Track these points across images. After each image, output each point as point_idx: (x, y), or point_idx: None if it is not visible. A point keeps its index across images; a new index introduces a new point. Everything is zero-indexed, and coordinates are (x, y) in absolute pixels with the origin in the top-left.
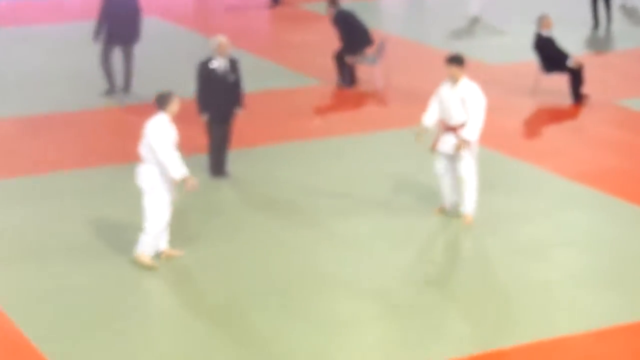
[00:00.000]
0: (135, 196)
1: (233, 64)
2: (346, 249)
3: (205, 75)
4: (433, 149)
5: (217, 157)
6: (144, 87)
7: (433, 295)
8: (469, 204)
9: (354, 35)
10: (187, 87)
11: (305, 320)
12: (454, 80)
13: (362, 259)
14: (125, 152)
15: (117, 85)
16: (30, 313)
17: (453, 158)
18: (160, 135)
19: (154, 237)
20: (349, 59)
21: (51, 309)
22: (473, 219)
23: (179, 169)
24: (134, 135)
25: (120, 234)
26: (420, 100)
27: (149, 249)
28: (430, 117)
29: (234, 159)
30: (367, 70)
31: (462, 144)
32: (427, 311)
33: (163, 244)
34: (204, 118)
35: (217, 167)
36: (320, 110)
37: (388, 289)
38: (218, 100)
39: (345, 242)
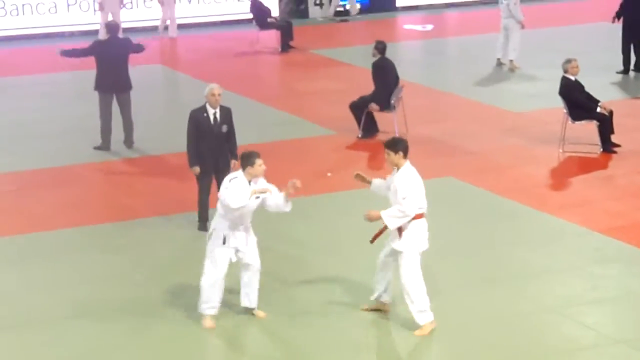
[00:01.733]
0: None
1: (225, 114)
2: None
3: (196, 124)
4: (372, 240)
5: (205, 211)
6: (147, 138)
7: None
8: (415, 314)
9: (388, 86)
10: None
11: None
12: (393, 166)
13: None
14: (121, 208)
15: (110, 141)
16: None
17: (394, 254)
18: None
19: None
20: (372, 107)
21: None
22: (428, 330)
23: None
24: (131, 191)
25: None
26: (440, 151)
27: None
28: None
29: None
30: (384, 119)
31: (370, 218)
32: None
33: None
34: (195, 171)
35: (205, 221)
36: (335, 162)
37: None
38: (209, 152)
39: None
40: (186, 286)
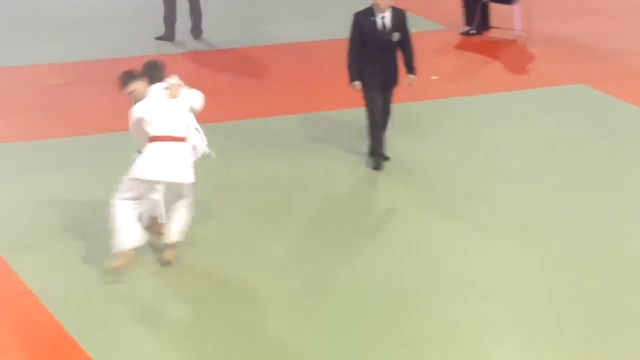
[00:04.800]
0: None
1: (398, 19)
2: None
3: (359, 30)
4: None
5: (379, 143)
6: (218, 28)
7: None
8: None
9: None
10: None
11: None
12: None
13: None
14: None
15: (174, 31)
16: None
17: None
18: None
19: None
20: None
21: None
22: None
23: None
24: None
25: None
26: (571, 54)
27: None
28: None
29: None
30: (503, 12)
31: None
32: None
33: None
34: (355, 87)
35: (381, 157)
36: (440, 63)
37: None
38: (374, 65)
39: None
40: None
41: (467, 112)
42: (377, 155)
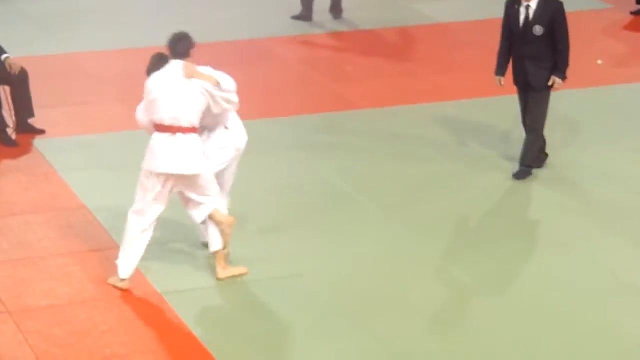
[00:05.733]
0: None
1: (546, 10)
2: None
3: (506, 19)
4: None
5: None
6: (360, 7)
7: None
8: None
9: None
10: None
11: None
12: None
13: None
14: (327, 96)
15: (312, 10)
16: None
17: None
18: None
19: None
20: None
21: None
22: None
23: None
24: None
25: None
26: None
27: None
28: None
29: None
30: None
31: None
32: None
33: None
34: (498, 81)
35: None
36: (607, 46)
37: None
38: (517, 60)
39: None
40: None
41: (638, 102)
42: (521, 163)
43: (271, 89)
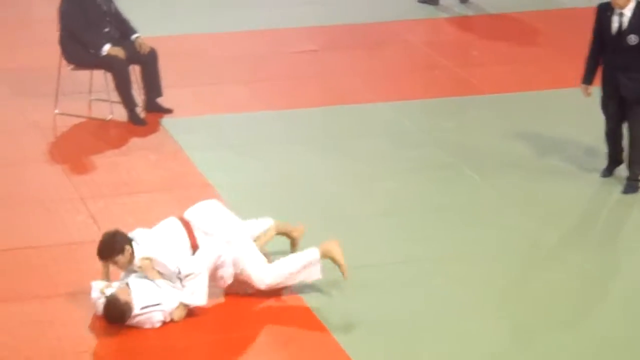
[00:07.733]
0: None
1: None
2: None
3: (598, 25)
4: None
5: (611, 150)
6: None
7: None
8: None
9: None
10: None
11: None
12: None
13: None
14: (454, 80)
15: None
16: None
17: None
18: None
19: None
20: None
21: None
22: None
23: None
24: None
25: None
26: None
27: None
28: None
29: None
30: None
31: None
32: None
33: None
34: (584, 90)
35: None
36: None
37: None
38: (609, 71)
39: None
40: None
41: None
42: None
43: (396, 72)
